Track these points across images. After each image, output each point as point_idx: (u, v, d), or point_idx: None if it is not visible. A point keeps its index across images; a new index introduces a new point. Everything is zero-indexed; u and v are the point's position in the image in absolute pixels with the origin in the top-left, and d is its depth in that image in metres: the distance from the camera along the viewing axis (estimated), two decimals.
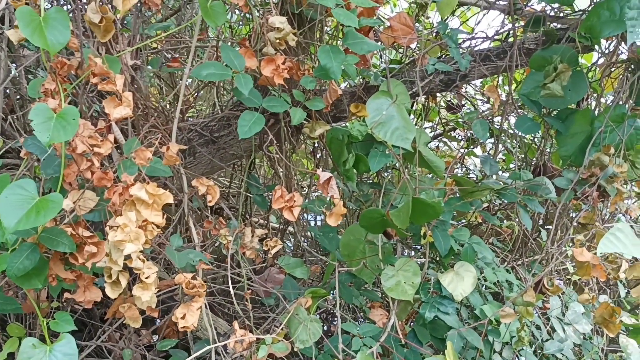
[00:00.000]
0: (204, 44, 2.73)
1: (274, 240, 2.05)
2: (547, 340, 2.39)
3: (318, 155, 2.94)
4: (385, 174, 2.94)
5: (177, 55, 2.84)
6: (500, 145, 3.12)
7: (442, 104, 3.44)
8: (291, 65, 1.96)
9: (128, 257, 1.46)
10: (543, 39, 2.26)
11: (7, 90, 2.32)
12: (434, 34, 2.64)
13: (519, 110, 2.68)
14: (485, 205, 2.95)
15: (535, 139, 3.06)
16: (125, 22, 2.23)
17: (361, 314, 2.56)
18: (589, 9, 2.14)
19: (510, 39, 2.38)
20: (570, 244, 2.21)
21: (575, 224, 2.31)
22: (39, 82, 1.57)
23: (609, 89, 2.57)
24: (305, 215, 3.24)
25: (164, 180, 2.00)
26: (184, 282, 1.66)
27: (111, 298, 1.53)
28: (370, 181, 2.77)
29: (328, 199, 1.93)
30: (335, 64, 1.86)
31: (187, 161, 2.29)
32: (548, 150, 2.85)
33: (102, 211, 1.63)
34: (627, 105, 2.18)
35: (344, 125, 2.41)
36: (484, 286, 2.31)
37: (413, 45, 2.58)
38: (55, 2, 2.40)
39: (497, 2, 2.47)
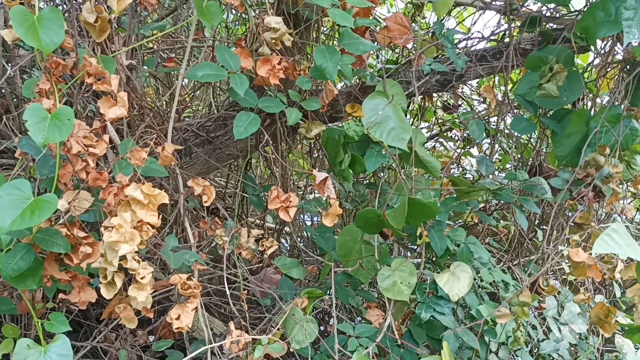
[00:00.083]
0: (200, 44, 2.72)
1: (270, 240, 2.05)
2: (543, 340, 2.39)
3: (314, 156, 2.94)
4: (382, 174, 2.94)
5: (173, 55, 2.83)
6: (496, 146, 3.13)
7: (439, 104, 3.44)
8: (287, 66, 1.96)
9: (123, 258, 1.46)
10: (539, 40, 2.26)
11: (2, 90, 2.32)
12: (430, 34, 2.64)
13: (515, 111, 2.68)
14: (482, 205, 2.95)
15: (531, 139, 3.06)
16: (121, 21, 2.23)
17: (357, 314, 2.56)
18: (585, 9, 2.15)
19: (507, 39, 2.38)
20: (566, 244, 2.22)
21: (571, 224, 2.31)
22: (33, 82, 1.57)
23: (604, 89, 2.58)
24: (301, 215, 3.23)
25: (159, 181, 2.00)
26: (179, 283, 1.65)
27: (106, 299, 1.53)
28: (367, 181, 2.77)
29: (324, 199, 1.93)
30: (331, 64, 1.86)
31: (183, 161, 2.29)
32: (544, 150, 2.85)
33: (97, 212, 1.63)
34: (622, 106, 2.18)
35: (340, 125, 2.41)
36: (480, 286, 2.31)
37: (409, 46, 2.58)
38: (50, 2, 2.39)
39: (493, 3, 2.47)
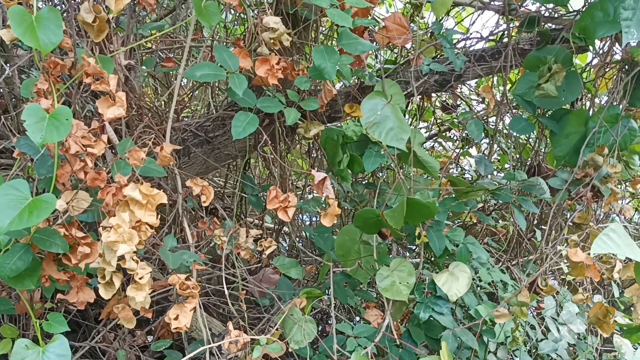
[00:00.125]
0: (198, 44, 2.72)
1: (268, 240, 2.05)
2: (542, 340, 2.39)
3: (313, 156, 2.93)
4: (380, 174, 2.94)
5: (172, 55, 2.83)
6: (495, 146, 3.13)
7: (437, 104, 3.44)
8: (285, 66, 1.96)
9: (121, 258, 1.46)
10: (537, 40, 2.26)
11: (1, 90, 2.31)
12: (429, 34, 2.64)
13: (514, 111, 2.68)
14: (480, 205, 2.95)
15: (530, 139, 3.07)
16: (119, 21, 2.23)
17: (356, 314, 2.56)
18: (583, 9, 2.15)
19: (505, 40, 2.38)
20: (565, 244, 2.22)
21: (569, 224, 2.31)
22: (32, 82, 1.57)
23: (603, 89, 2.58)
24: (300, 215, 3.23)
25: (158, 181, 2.00)
26: (177, 283, 1.65)
27: (105, 299, 1.52)
28: (365, 181, 2.77)
29: (323, 199, 1.93)
30: (330, 64, 1.86)
31: (182, 161, 2.29)
32: (542, 150, 2.85)
33: (96, 212, 1.63)
34: (621, 106, 2.18)
35: (338, 125, 2.41)
36: (479, 286, 2.31)
37: (408, 46, 2.58)
38: (48, 1, 2.39)
39: (492, 3, 2.48)
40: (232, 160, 2.51)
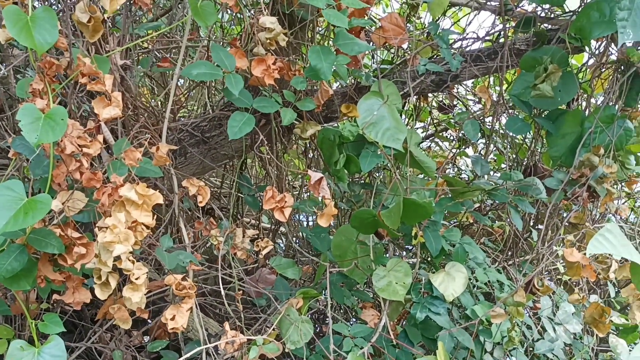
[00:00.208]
0: (194, 44, 2.72)
1: (265, 240, 2.05)
2: (538, 340, 2.40)
3: (309, 156, 2.93)
4: (377, 175, 2.94)
5: (168, 55, 2.83)
6: (491, 146, 3.13)
7: (434, 104, 3.45)
8: (282, 66, 1.96)
9: (117, 258, 1.45)
10: (534, 40, 2.27)
11: None
12: (425, 35, 2.64)
13: (510, 111, 2.69)
14: (477, 205, 2.95)
15: (526, 140, 3.07)
16: (115, 21, 2.22)
17: (353, 314, 2.56)
18: (579, 10, 2.15)
19: (501, 40, 2.38)
20: (561, 244, 2.22)
21: (565, 224, 2.32)
22: (27, 82, 1.56)
23: (599, 89, 2.59)
24: (296, 215, 3.23)
25: (154, 181, 2.00)
26: (174, 284, 1.65)
27: (101, 299, 1.52)
28: (362, 181, 2.77)
29: (319, 199, 1.93)
30: (326, 64, 1.86)
31: (178, 161, 2.28)
32: (539, 150, 2.86)
33: (92, 212, 1.62)
34: (616, 106, 2.18)
35: (335, 125, 2.41)
36: (475, 286, 2.31)
37: (404, 46, 2.58)
38: (44, 1, 2.39)
39: (488, 3, 2.48)
40: (229, 160, 2.50)
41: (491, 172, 2.40)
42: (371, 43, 2.31)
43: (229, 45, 2.17)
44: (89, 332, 2.11)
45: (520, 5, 2.41)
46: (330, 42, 2.67)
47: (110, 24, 2.01)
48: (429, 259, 2.35)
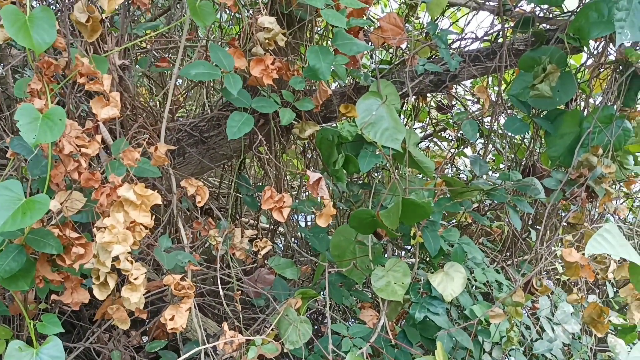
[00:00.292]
0: (193, 44, 2.72)
1: (263, 240, 2.05)
2: (537, 340, 2.40)
3: (308, 156, 2.93)
4: (375, 175, 2.94)
5: (167, 55, 2.82)
6: (490, 146, 3.13)
7: (432, 104, 3.45)
8: (280, 66, 1.96)
9: (116, 259, 1.45)
10: (532, 40, 2.27)
11: None
12: (424, 35, 2.64)
13: (509, 111, 2.69)
14: (475, 205, 2.95)
15: (525, 140, 3.07)
16: (114, 21, 2.22)
17: (351, 314, 2.56)
18: (578, 10, 2.15)
19: (500, 40, 2.38)
20: (559, 245, 2.22)
21: (564, 224, 2.32)
22: (25, 82, 1.56)
23: (597, 89, 2.59)
24: (295, 215, 3.23)
25: (152, 181, 1.99)
26: (172, 284, 1.65)
27: (99, 299, 1.52)
28: (360, 182, 2.77)
29: (318, 199, 1.93)
30: (324, 64, 1.86)
31: (177, 162, 2.28)
32: (537, 150, 2.86)
33: (90, 212, 1.62)
34: (615, 106, 2.19)
35: (333, 125, 2.41)
36: (474, 286, 2.32)
37: (403, 46, 2.58)
38: (42, 1, 2.38)
39: (487, 3, 2.48)
40: (227, 160, 2.50)
41: (490, 172, 2.40)
42: (370, 43, 2.31)
43: (227, 45, 2.17)
44: (88, 332, 2.11)
45: (518, 5, 2.41)
46: (329, 42, 2.67)
47: (108, 23, 2.01)
48: (427, 259, 2.35)
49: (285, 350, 1.89)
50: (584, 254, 1.81)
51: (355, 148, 2.20)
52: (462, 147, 3.53)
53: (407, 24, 2.74)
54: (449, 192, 2.28)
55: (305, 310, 2.06)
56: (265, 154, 2.35)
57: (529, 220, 2.90)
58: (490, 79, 2.72)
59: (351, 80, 2.36)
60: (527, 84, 2.19)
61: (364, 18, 2.15)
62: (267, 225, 3.17)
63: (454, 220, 3.12)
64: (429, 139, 3.78)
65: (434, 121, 3.63)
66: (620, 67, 2.24)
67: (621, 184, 2.72)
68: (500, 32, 2.37)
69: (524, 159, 2.93)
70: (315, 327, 2.87)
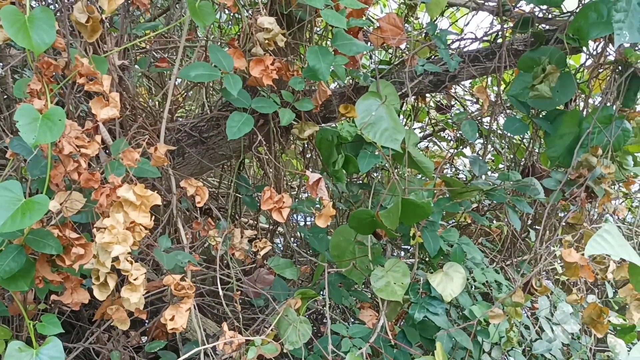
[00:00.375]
0: (192, 44, 2.71)
1: (263, 241, 2.05)
2: (536, 340, 2.40)
3: (307, 156, 2.93)
4: (375, 175, 2.94)
5: (166, 55, 2.82)
6: (489, 146, 3.13)
7: (432, 104, 3.45)
8: (280, 66, 1.96)
9: (116, 259, 1.45)
10: (531, 40, 2.27)
11: None
12: (423, 35, 2.64)
13: (508, 111, 2.69)
14: (475, 205, 2.95)
15: (524, 140, 3.07)
16: (113, 21, 2.22)
17: (351, 314, 2.56)
18: (577, 10, 2.15)
19: (499, 40, 2.39)
20: (559, 245, 2.22)
21: (563, 224, 2.32)
22: (25, 82, 1.56)
23: (596, 90, 2.59)
24: (294, 215, 3.23)
25: (152, 181, 1.99)
26: (172, 284, 1.65)
27: (99, 300, 1.52)
28: (360, 182, 2.77)
29: (317, 199, 1.93)
30: (324, 65, 1.86)
31: (176, 162, 2.28)
32: (537, 151, 2.86)
33: (90, 213, 1.62)
34: (614, 107, 2.19)
35: (333, 126, 2.41)
36: (473, 287, 2.32)
37: (402, 46, 2.58)
38: (41, 1, 2.38)
39: (486, 4, 2.48)
40: (227, 160, 2.50)
41: (489, 173, 2.40)
42: (369, 43, 2.31)
43: (227, 45, 2.17)
44: (87, 332, 2.11)
45: (518, 5, 2.41)
46: (329, 43, 2.67)
47: (107, 24, 2.01)
48: (427, 259, 2.35)
49: (284, 351, 1.89)
50: (583, 254, 1.81)
51: (355, 148, 2.20)
52: (461, 147, 3.54)
53: (406, 24, 2.74)
54: (448, 192, 2.28)
55: (305, 311, 2.06)
56: (265, 154, 2.35)
57: (528, 221, 2.91)
58: (489, 79, 2.72)
59: (350, 81, 2.36)
60: (526, 85, 2.19)
61: (364, 18, 2.15)
62: (267, 226, 3.17)
63: (453, 221, 3.13)
64: (428, 139, 3.78)
65: (433, 121, 3.63)
66: (620, 68, 2.24)
67: (620, 184, 2.72)
68: (500, 33, 2.38)
69: (523, 159, 2.93)
70: (315, 328, 2.87)
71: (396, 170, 2.28)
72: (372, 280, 1.98)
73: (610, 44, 2.26)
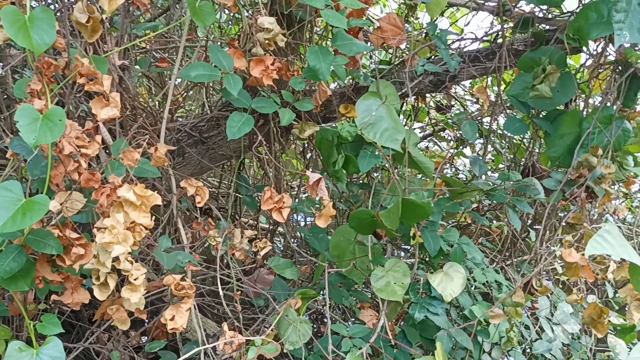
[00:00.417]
0: (192, 44, 2.72)
1: (263, 241, 2.05)
2: (536, 340, 2.40)
3: (308, 156, 2.93)
4: (375, 175, 2.94)
5: (166, 55, 2.82)
6: (489, 146, 3.13)
7: (432, 104, 3.45)
8: (280, 66, 1.96)
9: (116, 259, 1.45)
10: (532, 40, 2.27)
11: None
12: (424, 35, 2.64)
13: (508, 111, 2.69)
14: (475, 205, 2.95)
15: (524, 140, 3.07)
16: (113, 21, 2.22)
17: (351, 314, 2.56)
18: (577, 10, 2.15)
19: (499, 40, 2.39)
20: (559, 245, 2.22)
21: (563, 224, 2.32)
22: (25, 83, 1.56)
23: (597, 90, 2.59)
24: (295, 215, 3.23)
25: (152, 181, 1.99)
26: (172, 284, 1.65)
27: (99, 300, 1.52)
28: (360, 182, 2.77)
29: (317, 199, 1.93)
30: (324, 65, 1.86)
31: (176, 162, 2.28)
32: (537, 151, 2.86)
33: (90, 213, 1.62)
34: (614, 107, 2.19)
35: (333, 126, 2.41)
36: (473, 287, 2.32)
37: (402, 46, 2.58)
38: (41, 1, 2.38)
39: (486, 4, 2.48)
40: (227, 160, 2.50)
41: (489, 173, 2.40)
42: (369, 43, 2.31)
43: (227, 45, 2.17)
44: (87, 332, 2.11)
45: (518, 5, 2.41)
46: (329, 43, 2.67)
47: (108, 24, 2.01)
48: (427, 259, 2.35)
49: (284, 351, 1.89)
50: (583, 255, 1.81)
51: (355, 148, 2.20)
52: (461, 147, 3.54)
53: (406, 24, 2.74)
54: (448, 192, 2.28)
55: (305, 311, 2.06)
56: (265, 154, 2.35)
57: (528, 221, 2.91)
58: (489, 79, 2.72)
59: (351, 81, 2.36)
60: (526, 85, 2.19)
61: (364, 18, 2.15)
62: (267, 226, 3.17)
63: (453, 221, 3.13)
64: (429, 139, 3.78)
65: (433, 121, 3.63)
66: (620, 68, 2.24)
67: (621, 184, 2.72)
68: (500, 33, 2.38)
69: (524, 159, 2.93)
70: (315, 328, 2.87)
71: (396, 170, 2.28)
72: (372, 280, 1.98)
73: (610, 44, 2.26)
